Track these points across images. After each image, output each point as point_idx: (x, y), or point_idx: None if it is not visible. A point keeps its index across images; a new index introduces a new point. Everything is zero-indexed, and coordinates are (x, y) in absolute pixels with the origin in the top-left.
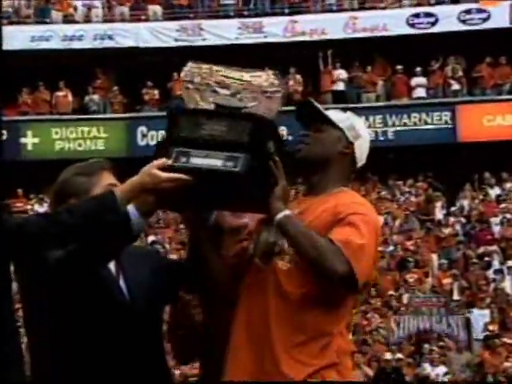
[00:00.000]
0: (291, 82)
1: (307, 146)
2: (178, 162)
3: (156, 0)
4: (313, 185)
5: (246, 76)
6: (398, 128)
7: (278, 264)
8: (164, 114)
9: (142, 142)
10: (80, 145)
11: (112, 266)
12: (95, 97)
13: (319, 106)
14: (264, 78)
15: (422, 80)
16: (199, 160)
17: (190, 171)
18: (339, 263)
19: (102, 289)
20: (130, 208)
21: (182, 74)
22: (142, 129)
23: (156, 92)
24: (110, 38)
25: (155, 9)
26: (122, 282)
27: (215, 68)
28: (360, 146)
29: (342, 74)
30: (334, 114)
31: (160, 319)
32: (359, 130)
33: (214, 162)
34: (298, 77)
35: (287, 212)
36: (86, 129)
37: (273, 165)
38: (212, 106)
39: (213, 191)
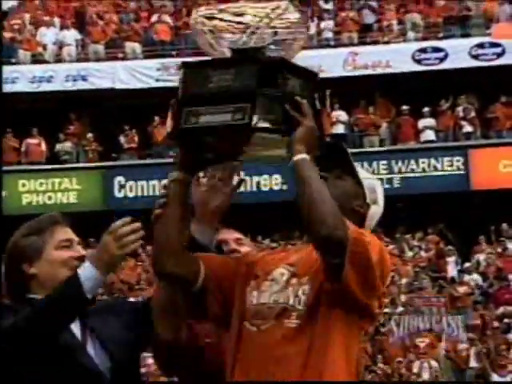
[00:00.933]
0: None
1: None
2: (187, 123)
3: (134, 36)
4: None
5: (265, 10)
6: (405, 175)
7: (283, 323)
8: (144, 162)
9: (119, 194)
10: (50, 198)
11: (77, 329)
12: (67, 144)
13: (349, 151)
14: (283, 7)
15: (430, 122)
16: (209, 117)
17: (200, 131)
18: (339, 224)
19: (63, 355)
20: (87, 268)
21: (193, 17)
22: (120, 179)
23: (135, 138)
24: (84, 78)
25: (134, 46)
26: (89, 346)
27: (230, 5)
28: (374, 213)
29: (341, 115)
30: (359, 169)
31: (137, 371)
32: (379, 195)
33: (224, 116)
34: None
35: (305, 155)
36: (56, 180)
37: (290, 106)
38: (226, 53)
39: (231, 145)
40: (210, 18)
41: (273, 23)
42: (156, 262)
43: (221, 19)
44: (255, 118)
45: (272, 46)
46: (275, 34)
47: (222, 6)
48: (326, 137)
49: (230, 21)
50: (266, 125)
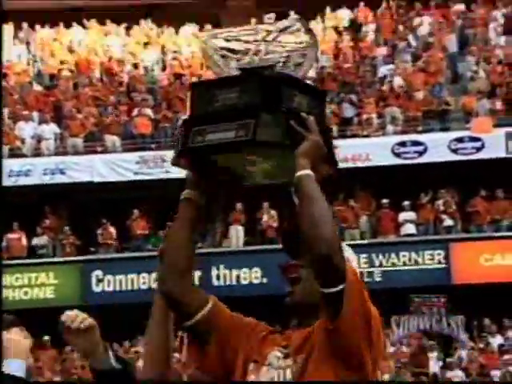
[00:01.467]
0: (264, 218)
1: (299, 286)
2: (194, 142)
3: (114, 129)
4: (304, 323)
5: (272, 34)
6: (386, 268)
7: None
8: (122, 255)
9: (97, 288)
10: (26, 293)
11: None
12: (44, 238)
13: None
14: (293, 33)
15: (410, 215)
16: (214, 135)
17: (206, 149)
18: (339, 249)
19: None
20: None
21: (202, 39)
22: (98, 273)
23: (113, 231)
24: (62, 172)
25: (113, 139)
26: None
27: (237, 29)
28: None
29: None
30: None
31: None
32: (352, 262)
33: (228, 134)
34: (273, 212)
35: (309, 171)
36: (33, 275)
37: (295, 121)
38: (234, 73)
39: (240, 161)
40: (218, 38)
41: (278, 44)
42: (159, 279)
43: (227, 39)
44: (259, 134)
45: (280, 65)
46: (281, 54)
47: (230, 28)
48: (336, 159)
49: (236, 40)
50: (270, 140)
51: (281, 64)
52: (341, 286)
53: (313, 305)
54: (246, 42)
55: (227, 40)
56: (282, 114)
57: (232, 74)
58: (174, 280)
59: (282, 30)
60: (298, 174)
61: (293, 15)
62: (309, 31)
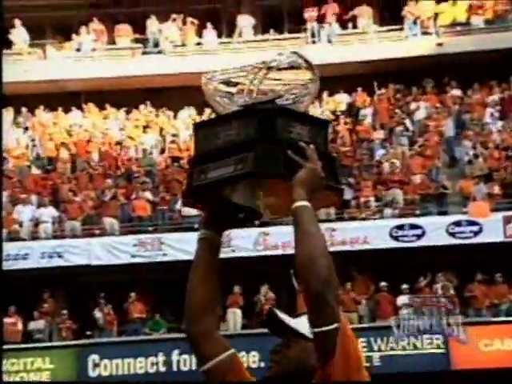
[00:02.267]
0: (263, 300)
1: (277, 365)
2: (197, 181)
3: (111, 212)
4: None
5: (271, 71)
6: (385, 353)
7: None
8: (119, 339)
9: (93, 373)
10: (22, 378)
11: None
12: (41, 322)
13: (284, 317)
14: (294, 69)
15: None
16: (215, 172)
17: (208, 187)
18: (332, 289)
19: None
20: None
21: (203, 81)
22: (94, 357)
23: (111, 314)
24: (59, 255)
25: (111, 222)
26: None
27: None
28: None
29: None
30: (304, 323)
31: None
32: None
33: (227, 169)
34: (271, 294)
35: (305, 202)
36: (29, 359)
37: (293, 151)
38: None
39: (248, 197)
40: (216, 80)
41: (278, 82)
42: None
43: (225, 82)
44: (256, 166)
45: (281, 100)
46: (282, 90)
47: (228, 69)
48: (341, 186)
49: (234, 83)
50: (268, 171)
51: (283, 99)
52: (334, 326)
53: (295, 375)
54: (244, 79)
55: (225, 83)
56: (279, 144)
57: (232, 111)
58: (190, 322)
59: (283, 67)
60: (294, 205)
61: (291, 51)
62: (310, 67)
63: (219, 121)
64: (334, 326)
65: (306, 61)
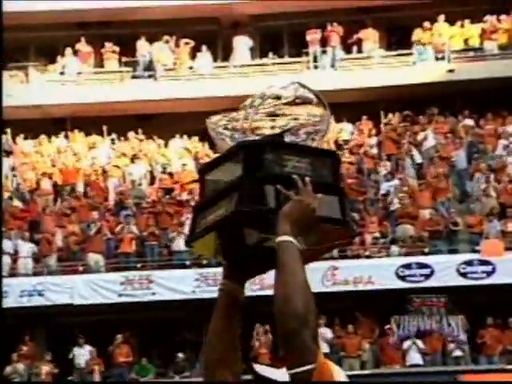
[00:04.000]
0: (257, 344)
1: None
2: (197, 228)
3: (96, 247)
4: None
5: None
6: None
7: None
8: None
9: None
10: None
11: None
12: (19, 366)
13: (263, 369)
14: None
15: (416, 342)
16: (211, 217)
17: (208, 231)
18: (308, 328)
19: None
20: None
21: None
22: None
23: (94, 357)
24: (40, 293)
25: (96, 258)
26: None
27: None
28: None
29: (327, 333)
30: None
31: None
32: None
33: (220, 211)
34: (267, 337)
35: (287, 237)
36: None
37: (285, 186)
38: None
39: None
40: (219, 126)
41: (288, 117)
42: None
43: (227, 127)
44: (245, 205)
45: (291, 137)
46: (291, 126)
47: (231, 114)
48: (349, 223)
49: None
50: (258, 208)
51: (293, 137)
52: (309, 366)
53: None
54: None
55: (227, 128)
56: (269, 180)
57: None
58: (205, 376)
59: (292, 102)
60: (278, 239)
61: (295, 81)
62: (321, 102)
63: (216, 162)
64: (310, 366)
65: (317, 95)
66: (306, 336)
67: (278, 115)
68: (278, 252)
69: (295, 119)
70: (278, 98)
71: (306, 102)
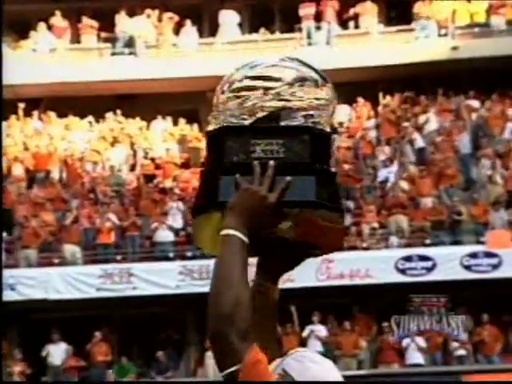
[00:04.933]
0: None
1: None
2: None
3: (73, 238)
4: None
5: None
6: None
7: None
8: None
9: None
10: None
11: None
12: None
13: None
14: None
15: (417, 341)
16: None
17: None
18: (235, 330)
19: None
20: None
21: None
22: None
23: (71, 357)
24: (12, 288)
25: (72, 250)
26: None
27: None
28: None
29: (320, 331)
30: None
31: None
32: (292, 373)
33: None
34: None
35: (229, 231)
36: None
37: (240, 175)
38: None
39: None
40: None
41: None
42: None
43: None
44: (221, 196)
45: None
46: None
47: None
48: (342, 225)
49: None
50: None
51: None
52: (233, 368)
53: None
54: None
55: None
56: (229, 169)
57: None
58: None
59: (299, 82)
60: (222, 232)
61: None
62: (327, 84)
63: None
64: (234, 368)
65: (322, 75)
66: (231, 337)
67: (285, 99)
68: (221, 244)
69: (300, 100)
70: (279, 79)
71: (311, 84)
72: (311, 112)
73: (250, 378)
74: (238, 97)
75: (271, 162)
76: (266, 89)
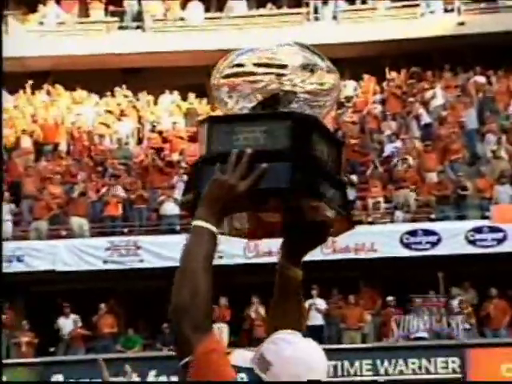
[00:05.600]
0: (253, 315)
1: None
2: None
3: (80, 210)
4: None
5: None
6: (392, 377)
7: None
8: (86, 357)
9: None
10: None
11: None
12: None
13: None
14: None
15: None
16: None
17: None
18: (188, 320)
19: None
20: None
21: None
22: (58, 377)
23: (77, 328)
24: (19, 259)
25: (79, 222)
26: None
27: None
28: (275, 375)
29: (320, 304)
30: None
31: None
32: (268, 357)
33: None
34: (261, 309)
35: (198, 221)
36: None
37: (219, 165)
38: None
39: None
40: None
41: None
42: None
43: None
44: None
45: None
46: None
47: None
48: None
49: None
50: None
51: (298, 105)
52: (186, 360)
53: None
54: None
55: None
56: (214, 159)
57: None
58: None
59: (303, 67)
60: (192, 223)
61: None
62: (331, 70)
63: None
64: (186, 359)
65: (327, 63)
66: (184, 327)
67: (286, 84)
68: (189, 235)
69: (301, 87)
70: (280, 65)
71: (316, 69)
72: (311, 97)
73: (201, 368)
74: (236, 81)
75: (247, 150)
76: (266, 74)
